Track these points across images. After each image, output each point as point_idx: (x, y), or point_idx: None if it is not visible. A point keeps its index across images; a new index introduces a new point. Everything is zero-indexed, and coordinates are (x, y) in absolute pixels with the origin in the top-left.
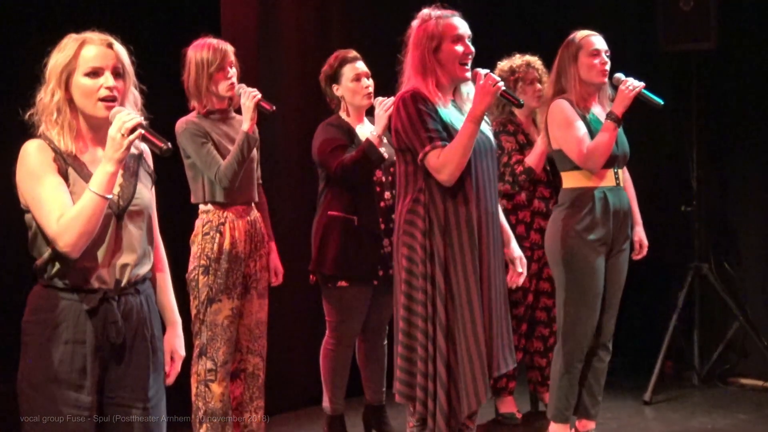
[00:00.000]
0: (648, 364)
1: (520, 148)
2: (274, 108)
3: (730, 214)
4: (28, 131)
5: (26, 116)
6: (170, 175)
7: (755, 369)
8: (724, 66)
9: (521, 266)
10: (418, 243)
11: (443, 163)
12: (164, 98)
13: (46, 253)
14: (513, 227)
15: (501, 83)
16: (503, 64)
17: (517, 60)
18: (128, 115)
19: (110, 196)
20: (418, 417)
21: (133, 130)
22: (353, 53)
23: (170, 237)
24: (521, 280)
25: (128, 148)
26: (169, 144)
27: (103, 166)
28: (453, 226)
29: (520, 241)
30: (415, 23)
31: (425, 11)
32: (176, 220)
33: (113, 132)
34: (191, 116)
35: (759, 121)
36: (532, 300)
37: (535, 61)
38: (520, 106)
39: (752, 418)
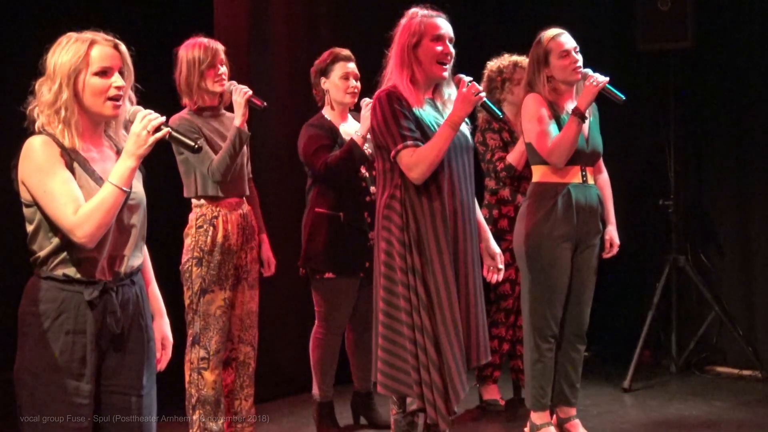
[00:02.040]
0: (627, 353)
1: (504, 145)
2: (265, 104)
3: (707, 207)
4: (23, 125)
5: (27, 111)
6: (162, 170)
7: (731, 358)
8: (700, 64)
9: (501, 262)
10: (396, 237)
11: (416, 162)
12: (158, 96)
13: (49, 246)
14: (496, 221)
15: (483, 93)
16: (492, 64)
17: (505, 60)
18: (151, 113)
19: (128, 190)
20: (415, 408)
21: (158, 129)
22: (347, 52)
23: (163, 230)
24: (501, 276)
25: (152, 145)
26: (199, 142)
27: (123, 160)
28: (429, 221)
29: (503, 234)
30: (402, 20)
31: (413, 9)
32: (167, 213)
33: (137, 129)
34: (183, 113)
35: (734, 117)
36: (519, 292)
37: (523, 61)
38: (498, 119)
39: (728, 405)
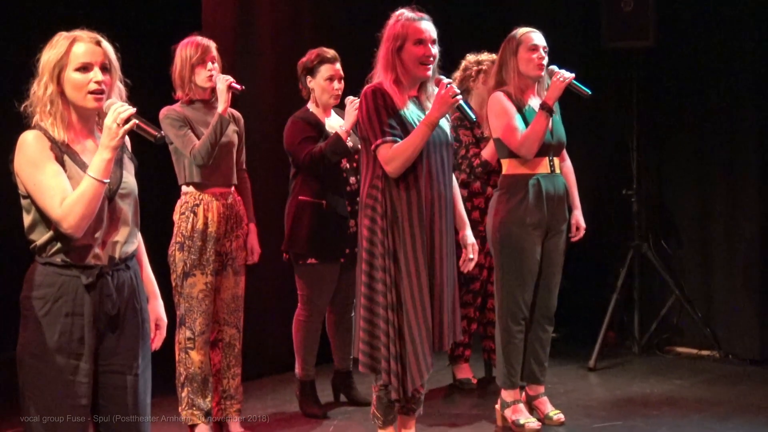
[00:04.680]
0: (592, 334)
1: (476, 141)
2: (243, 87)
3: (667, 197)
4: (23, 122)
5: (21, 108)
6: (154, 160)
7: (690, 338)
8: (662, 62)
9: (473, 252)
10: (377, 224)
11: (392, 157)
12: (149, 91)
13: (47, 234)
14: (468, 213)
15: (459, 96)
16: (471, 57)
17: (485, 56)
18: (122, 106)
19: (107, 181)
20: (382, 383)
21: (127, 121)
22: (333, 53)
23: (155, 217)
24: (472, 266)
25: (123, 136)
26: (162, 132)
27: (99, 153)
28: (406, 210)
29: (475, 225)
30: (390, 21)
31: (399, 11)
32: (159, 201)
33: (109, 122)
34: (175, 105)
35: (693, 112)
36: (486, 275)
37: None
38: (472, 122)
39: (687, 383)
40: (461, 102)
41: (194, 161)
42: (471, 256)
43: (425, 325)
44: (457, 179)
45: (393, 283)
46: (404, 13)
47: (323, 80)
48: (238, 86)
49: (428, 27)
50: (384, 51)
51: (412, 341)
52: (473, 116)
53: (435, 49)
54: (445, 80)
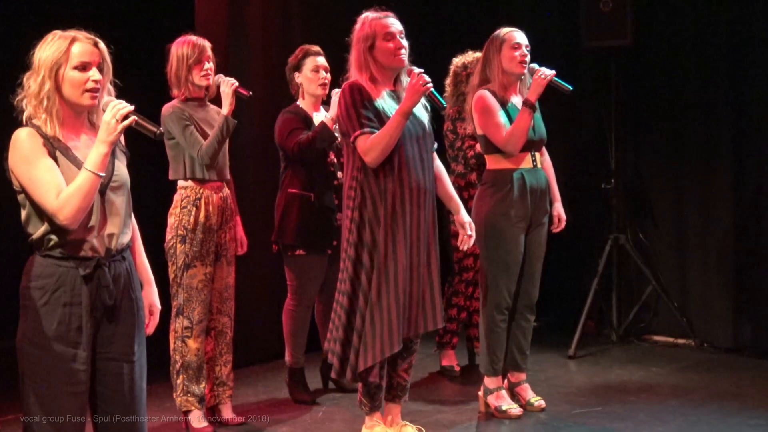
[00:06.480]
0: (572, 324)
1: (473, 134)
2: (251, 93)
3: (645, 191)
4: (14, 114)
5: (16, 102)
6: (148, 156)
7: (666, 327)
8: (639, 60)
9: (471, 229)
10: (356, 215)
11: (370, 147)
12: (143, 90)
13: (43, 228)
14: (465, 202)
15: (430, 84)
16: (457, 60)
17: (469, 56)
18: (121, 103)
19: (103, 174)
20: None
21: (126, 117)
22: (317, 48)
23: (149, 210)
24: (471, 242)
25: (121, 132)
26: (161, 129)
27: (96, 147)
28: (380, 201)
29: (470, 214)
30: (356, 26)
31: (363, 14)
32: (152, 195)
33: (108, 117)
34: (175, 102)
35: (669, 108)
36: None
37: None
38: (442, 108)
39: (663, 371)
40: (432, 90)
41: (201, 161)
42: (469, 232)
43: (396, 312)
44: (454, 170)
45: (364, 272)
46: (368, 15)
47: (309, 72)
48: (244, 92)
49: (394, 21)
50: (356, 53)
51: (372, 328)
52: (444, 103)
53: (405, 41)
54: (417, 70)
